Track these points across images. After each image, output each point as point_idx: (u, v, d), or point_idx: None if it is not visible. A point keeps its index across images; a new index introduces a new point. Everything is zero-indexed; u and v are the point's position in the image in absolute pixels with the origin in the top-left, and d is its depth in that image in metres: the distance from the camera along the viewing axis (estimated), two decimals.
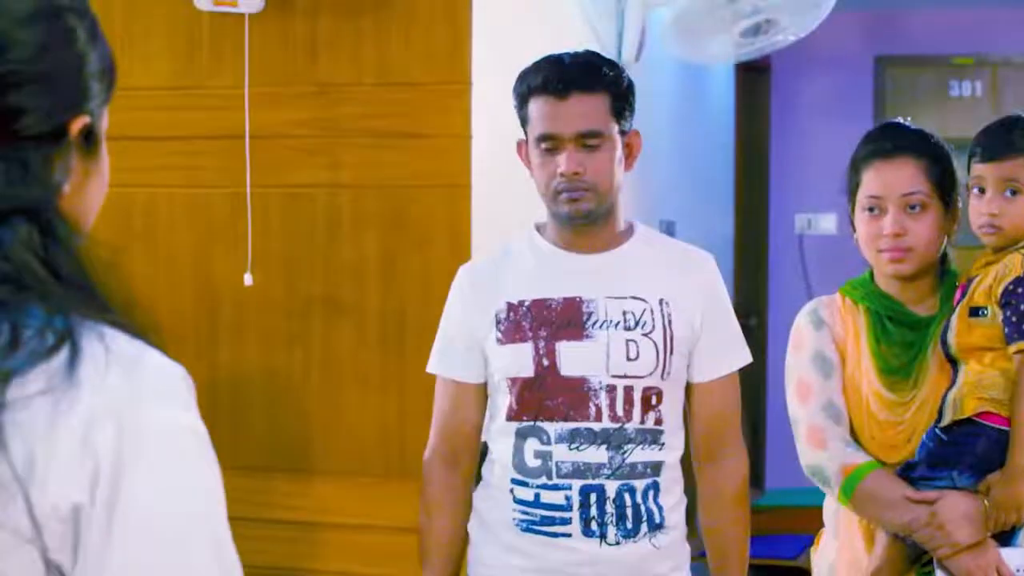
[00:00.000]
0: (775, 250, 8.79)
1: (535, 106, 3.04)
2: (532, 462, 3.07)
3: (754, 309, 8.45)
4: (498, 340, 3.10)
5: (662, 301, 3.08)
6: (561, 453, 3.03)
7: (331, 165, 4.21)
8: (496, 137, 4.08)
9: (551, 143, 3.02)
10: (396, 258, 4.16)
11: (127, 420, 1.35)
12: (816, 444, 3.07)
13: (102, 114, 1.51)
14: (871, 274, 3.18)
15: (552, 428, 3.04)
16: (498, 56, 4.14)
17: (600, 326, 3.05)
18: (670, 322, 3.07)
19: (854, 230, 3.17)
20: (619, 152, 3.07)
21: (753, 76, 8.44)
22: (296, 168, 4.24)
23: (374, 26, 4.16)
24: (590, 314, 3.06)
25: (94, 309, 1.41)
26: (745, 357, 3.22)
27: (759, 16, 5.14)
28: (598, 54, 3.14)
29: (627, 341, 3.04)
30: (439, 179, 4.09)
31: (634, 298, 3.08)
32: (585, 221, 3.07)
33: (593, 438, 3.03)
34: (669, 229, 6.30)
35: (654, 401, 3.06)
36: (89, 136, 1.47)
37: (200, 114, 4.31)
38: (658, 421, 3.07)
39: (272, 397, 4.27)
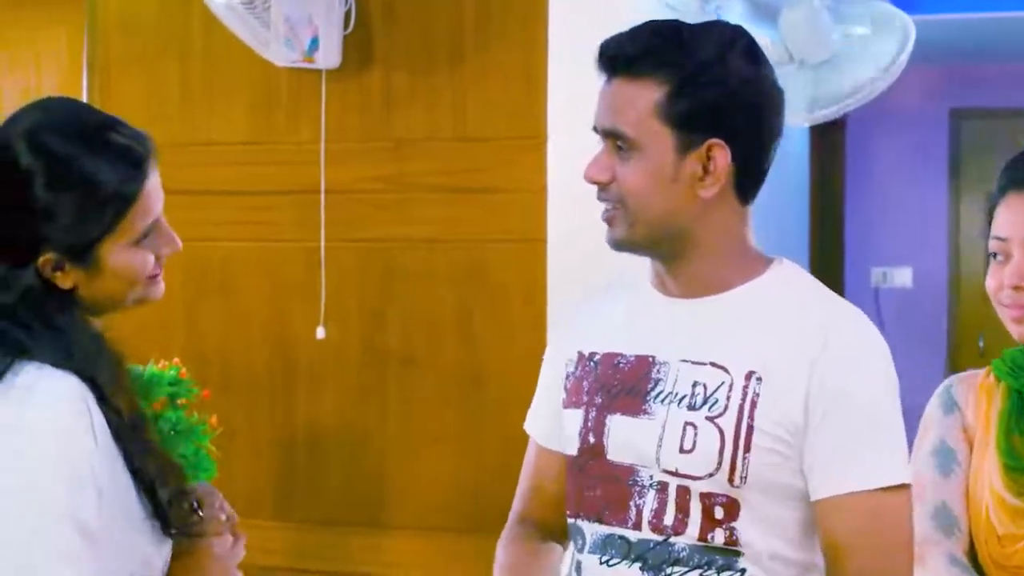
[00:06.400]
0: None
1: None
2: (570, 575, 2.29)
3: None
4: (563, 400, 2.33)
5: (751, 375, 2.12)
6: (591, 567, 2.22)
7: (406, 220, 4.22)
8: (572, 191, 4.08)
9: (600, 138, 2.23)
10: (471, 312, 4.15)
11: None
12: (916, 560, 2.15)
13: (85, 236, 2.04)
14: None
15: (588, 530, 2.24)
16: (574, 111, 4.13)
17: (663, 400, 2.17)
18: (754, 405, 2.11)
19: None
20: (669, 166, 2.15)
21: (828, 131, 8.40)
22: (371, 223, 4.25)
23: (449, 82, 4.18)
24: (657, 381, 2.19)
25: (53, 357, 1.99)
26: (894, 473, 2.09)
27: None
28: (688, 25, 2.22)
29: (685, 424, 2.14)
30: (515, 234, 4.08)
31: (714, 365, 2.16)
32: (628, 251, 2.25)
33: (626, 551, 2.18)
34: None
35: (720, 514, 2.12)
36: (79, 256, 2.04)
37: (276, 169, 4.34)
38: (731, 541, 2.12)
39: (348, 451, 4.27)
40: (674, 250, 2.21)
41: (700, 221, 2.20)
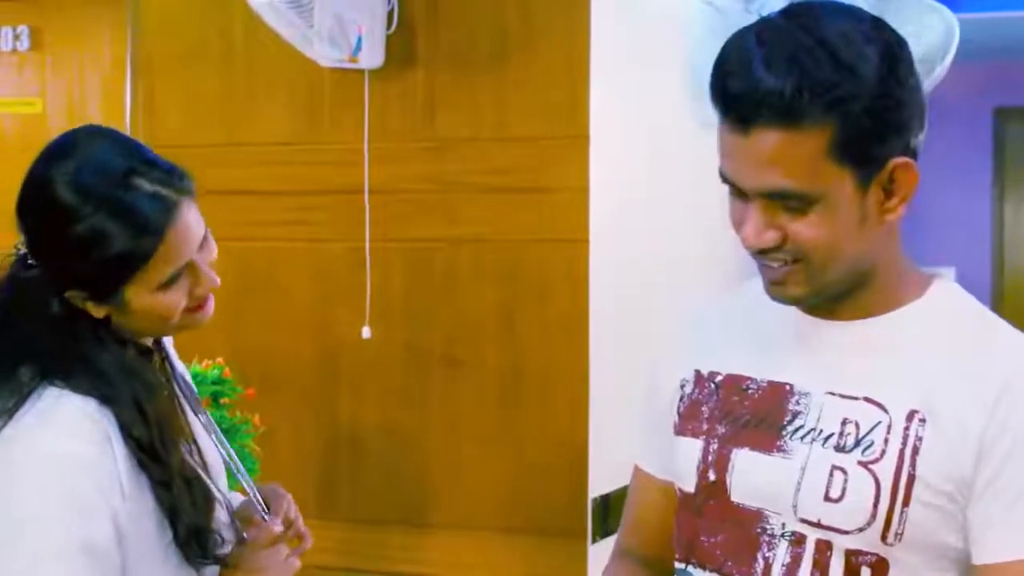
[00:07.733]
0: None
1: (719, 127, 1.87)
2: None
3: None
4: (675, 426, 2.07)
5: (913, 415, 1.83)
6: None
7: (449, 220, 4.22)
8: (615, 191, 4.07)
9: (735, 188, 1.88)
10: (514, 313, 4.15)
11: (7, 444, 1.97)
12: None
13: (103, 285, 2.08)
14: None
15: None
16: (617, 110, 4.13)
17: (803, 436, 1.89)
18: (916, 451, 1.81)
19: None
20: (855, 208, 1.83)
21: None
22: (415, 223, 4.26)
23: (492, 81, 4.17)
24: (796, 414, 1.91)
25: (76, 383, 2.02)
26: None
27: None
28: (820, 29, 1.79)
29: (833, 468, 1.85)
30: (558, 233, 4.08)
31: (868, 401, 1.86)
32: (802, 304, 1.95)
33: None
34: None
35: (866, 575, 1.84)
36: (103, 299, 2.07)
37: (320, 169, 4.35)
38: None
39: (391, 450, 4.28)
40: (834, 290, 1.93)
41: (883, 243, 1.94)
